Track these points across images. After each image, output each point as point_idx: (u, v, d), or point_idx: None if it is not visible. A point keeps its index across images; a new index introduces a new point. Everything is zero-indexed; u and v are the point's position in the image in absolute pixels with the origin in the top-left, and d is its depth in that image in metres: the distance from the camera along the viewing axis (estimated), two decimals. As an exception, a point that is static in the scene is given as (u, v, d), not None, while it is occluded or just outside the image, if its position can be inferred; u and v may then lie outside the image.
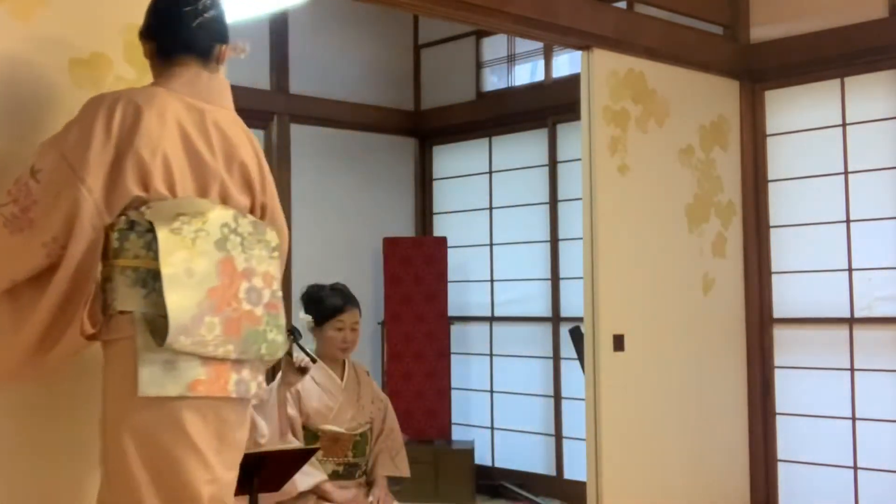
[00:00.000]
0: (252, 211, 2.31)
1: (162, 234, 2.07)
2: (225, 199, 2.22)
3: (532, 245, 6.38)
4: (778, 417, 5.07)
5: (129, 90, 2.26)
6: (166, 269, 2.05)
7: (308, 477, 3.70)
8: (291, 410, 3.86)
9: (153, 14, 2.33)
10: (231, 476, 2.25)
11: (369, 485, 3.97)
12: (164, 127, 2.15)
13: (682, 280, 4.81)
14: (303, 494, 3.74)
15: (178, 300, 2.04)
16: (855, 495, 4.77)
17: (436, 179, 7.02)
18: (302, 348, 3.81)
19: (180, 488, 2.12)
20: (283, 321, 2.26)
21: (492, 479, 6.36)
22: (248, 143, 2.34)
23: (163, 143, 2.14)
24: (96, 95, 2.22)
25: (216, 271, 2.11)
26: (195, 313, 2.06)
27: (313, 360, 3.87)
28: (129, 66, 2.60)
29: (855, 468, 4.79)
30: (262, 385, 2.27)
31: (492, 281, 6.61)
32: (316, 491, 3.76)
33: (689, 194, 4.87)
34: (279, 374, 3.74)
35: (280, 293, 2.28)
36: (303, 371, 3.68)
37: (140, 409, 2.10)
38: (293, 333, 3.78)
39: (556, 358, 6.21)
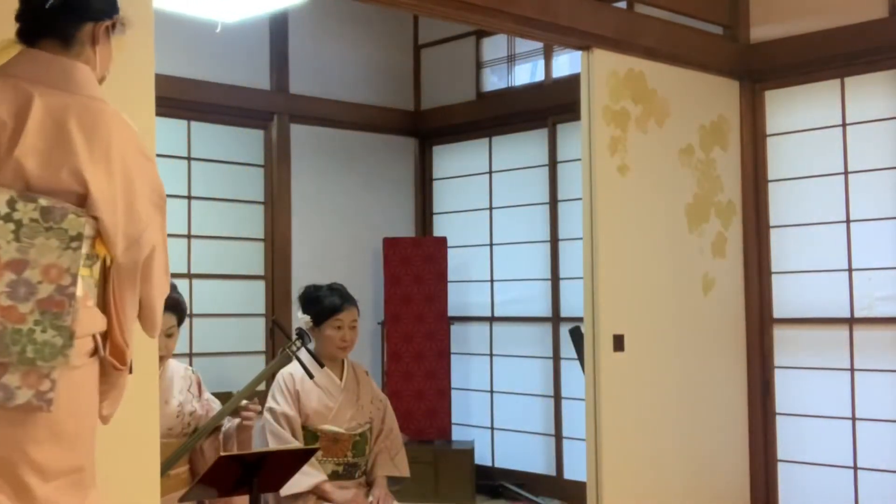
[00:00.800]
0: (84, 201, 2.06)
1: None
2: (28, 186, 2.02)
3: (532, 245, 6.38)
4: (778, 417, 5.07)
5: None
6: None
7: (307, 477, 3.70)
8: (291, 411, 3.87)
9: None
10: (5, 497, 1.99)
11: (369, 485, 3.98)
12: None
13: (682, 280, 4.81)
14: (302, 494, 3.75)
15: None
16: (855, 495, 4.77)
17: (436, 179, 7.02)
18: (310, 352, 3.82)
19: None
20: (67, 321, 1.98)
21: (492, 479, 6.36)
22: (96, 132, 2.08)
23: None
24: None
25: None
26: None
27: (321, 365, 3.88)
28: None
29: (855, 468, 4.78)
30: (45, 396, 1.95)
31: (492, 281, 6.61)
32: (315, 491, 3.77)
33: (689, 194, 4.87)
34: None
35: (73, 289, 1.99)
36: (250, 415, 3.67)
37: None
38: (301, 337, 3.79)
39: (556, 358, 6.21)
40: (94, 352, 2.08)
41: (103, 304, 2.11)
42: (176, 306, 3.59)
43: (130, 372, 2.20)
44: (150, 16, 2.93)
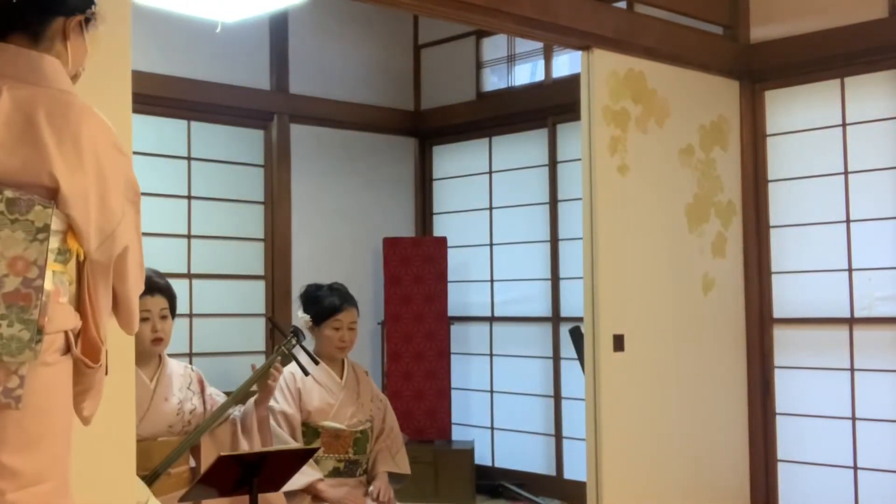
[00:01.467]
0: (54, 195, 2.02)
1: None
2: None
3: (532, 245, 6.38)
4: (778, 417, 5.07)
5: None
6: None
7: (302, 476, 3.70)
8: (290, 409, 3.87)
9: None
10: None
11: (370, 483, 3.99)
12: None
13: (682, 280, 4.81)
14: (297, 493, 3.75)
15: None
16: (855, 495, 4.77)
17: (436, 179, 7.02)
18: (305, 350, 3.82)
19: None
20: (33, 315, 1.92)
21: (492, 479, 6.36)
22: (65, 125, 2.03)
23: None
24: None
25: None
26: None
27: (315, 362, 3.89)
28: None
29: (855, 468, 4.78)
30: (13, 393, 1.89)
31: (492, 281, 6.61)
32: (309, 490, 3.77)
33: (689, 194, 4.87)
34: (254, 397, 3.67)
35: (40, 282, 1.94)
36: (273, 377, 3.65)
37: None
38: (297, 335, 3.79)
39: (556, 358, 6.21)
40: (67, 349, 2.03)
41: (78, 302, 2.06)
42: (166, 290, 3.58)
43: (106, 373, 2.18)
44: (126, 10, 2.91)
